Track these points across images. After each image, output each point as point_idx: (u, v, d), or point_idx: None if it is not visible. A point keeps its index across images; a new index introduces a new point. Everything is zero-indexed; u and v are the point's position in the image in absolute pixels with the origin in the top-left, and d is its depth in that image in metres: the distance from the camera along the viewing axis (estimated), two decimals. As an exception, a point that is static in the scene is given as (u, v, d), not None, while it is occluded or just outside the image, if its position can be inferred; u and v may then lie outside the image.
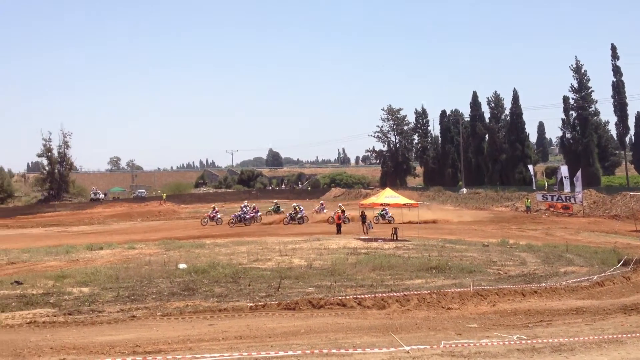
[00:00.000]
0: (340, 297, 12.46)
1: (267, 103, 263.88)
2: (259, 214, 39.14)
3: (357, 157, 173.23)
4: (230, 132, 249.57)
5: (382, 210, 36.55)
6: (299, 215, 36.74)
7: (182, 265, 17.30)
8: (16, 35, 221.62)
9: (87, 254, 22.14)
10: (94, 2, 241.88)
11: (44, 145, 75.18)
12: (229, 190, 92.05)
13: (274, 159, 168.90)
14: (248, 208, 38.95)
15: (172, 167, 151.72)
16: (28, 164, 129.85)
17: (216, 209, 40.29)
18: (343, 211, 34.27)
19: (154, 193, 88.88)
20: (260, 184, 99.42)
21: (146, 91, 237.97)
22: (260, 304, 12.08)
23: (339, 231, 29.60)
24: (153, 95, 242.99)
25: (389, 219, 36.49)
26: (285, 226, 35.74)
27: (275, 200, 50.06)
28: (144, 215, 53.82)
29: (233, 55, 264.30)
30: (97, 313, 11.41)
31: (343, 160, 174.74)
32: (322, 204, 44.95)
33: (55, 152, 75.61)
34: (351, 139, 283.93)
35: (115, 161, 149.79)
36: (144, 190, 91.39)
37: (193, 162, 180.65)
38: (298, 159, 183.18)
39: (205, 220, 38.35)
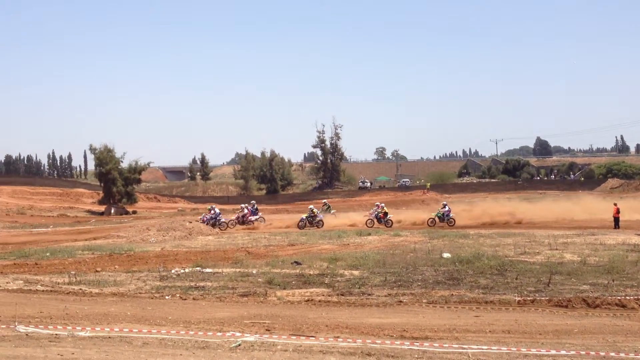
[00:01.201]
0: (619, 297, 11.04)
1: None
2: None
3: (638, 145, 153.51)
4: (494, 120, 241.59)
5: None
6: (317, 219, 32.29)
7: (446, 255, 17.15)
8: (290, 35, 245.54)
9: (356, 239, 23.45)
10: None
11: (318, 137, 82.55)
12: (492, 180, 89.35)
13: (542, 148, 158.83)
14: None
15: (434, 157, 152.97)
16: (304, 154, 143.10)
17: (214, 210, 32.77)
18: (385, 213, 32.15)
19: (417, 182, 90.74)
20: (527, 174, 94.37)
21: (412, 85, 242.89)
22: (528, 298, 11.32)
23: (616, 226, 26.49)
24: (420, 87, 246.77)
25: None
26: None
27: (325, 200, 44.97)
28: (408, 204, 55.15)
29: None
30: (366, 296, 11.87)
31: (621, 148, 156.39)
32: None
33: (327, 143, 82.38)
34: (631, 125, 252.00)
35: (380, 151, 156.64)
36: (408, 180, 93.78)
37: (456, 152, 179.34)
38: (569, 148, 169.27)
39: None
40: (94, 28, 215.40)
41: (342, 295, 11.95)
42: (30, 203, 57.87)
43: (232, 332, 8.26)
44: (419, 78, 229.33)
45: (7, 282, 13.38)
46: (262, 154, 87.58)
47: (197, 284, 13.11)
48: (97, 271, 15.44)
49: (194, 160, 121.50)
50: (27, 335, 7.67)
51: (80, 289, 12.60)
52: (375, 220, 31.78)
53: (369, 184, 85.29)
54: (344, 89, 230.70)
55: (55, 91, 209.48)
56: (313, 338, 8.05)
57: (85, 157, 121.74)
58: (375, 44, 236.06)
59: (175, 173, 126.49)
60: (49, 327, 8.31)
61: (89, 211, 55.06)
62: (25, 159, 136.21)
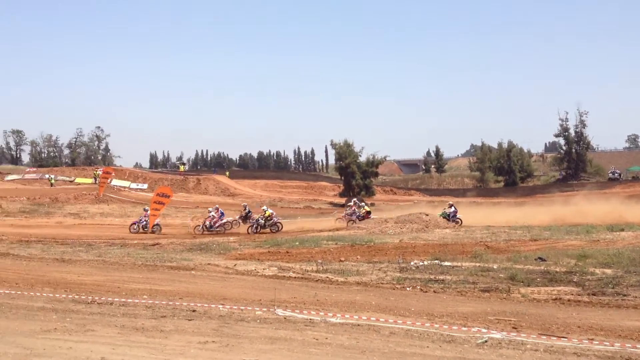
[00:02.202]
0: None
1: None
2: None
3: None
4: None
5: None
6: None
7: None
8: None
9: (607, 235, 21.35)
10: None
11: (561, 125, 76.80)
12: None
13: None
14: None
15: None
16: (545, 144, 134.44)
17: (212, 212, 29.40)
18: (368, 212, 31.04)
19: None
20: None
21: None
22: None
23: None
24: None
25: None
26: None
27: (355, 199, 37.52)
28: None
29: None
30: (621, 296, 10.77)
31: None
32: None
33: (572, 131, 76.28)
34: None
35: (633, 139, 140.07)
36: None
37: None
38: None
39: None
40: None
41: (594, 295, 10.98)
42: (280, 195, 63.79)
43: (478, 328, 8.13)
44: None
45: (263, 269, 14.74)
46: (499, 144, 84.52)
47: (437, 277, 13.09)
48: (341, 261, 16.20)
49: (428, 153, 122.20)
50: (285, 318, 8.44)
51: (327, 277, 13.33)
52: (356, 220, 30.21)
53: (619, 175, 76.94)
54: (589, 73, 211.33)
55: (303, 95, 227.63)
56: (565, 339, 7.57)
57: (326, 152, 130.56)
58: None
59: (409, 166, 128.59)
60: (304, 312, 9.02)
61: (331, 203, 58.74)
62: (275, 154, 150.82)
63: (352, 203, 33.77)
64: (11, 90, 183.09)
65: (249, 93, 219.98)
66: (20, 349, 5.87)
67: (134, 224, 28.83)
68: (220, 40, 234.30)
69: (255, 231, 27.73)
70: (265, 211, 28.70)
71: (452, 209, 30.37)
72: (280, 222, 28.99)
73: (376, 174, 65.44)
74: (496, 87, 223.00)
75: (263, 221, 28.11)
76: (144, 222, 28.47)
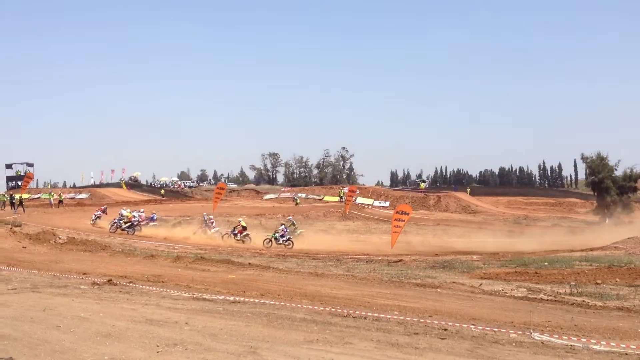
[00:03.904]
0: None
1: None
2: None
3: None
4: None
5: None
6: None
7: None
8: None
9: None
10: None
11: None
12: None
13: None
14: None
15: None
16: None
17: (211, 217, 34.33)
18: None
19: None
20: None
21: None
22: None
23: None
24: None
25: None
26: None
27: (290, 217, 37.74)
28: None
29: None
30: None
31: None
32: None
33: None
34: None
35: None
36: None
37: None
38: None
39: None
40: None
41: None
42: (525, 213, 60.62)
43: None
44: None
45: (511, 289, 14.26)
46: None
47: None
48: (597, 283, 15.07)
49: None
50: (542, 343, 7.97)
51: (583, 301, 12.48)
52: (273, 241, 29.23)
53: None
54: None
55: (544, 106, 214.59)
56: None
57: (575, 166, 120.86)
58: None
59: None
60: (563, 337, 8.43)
61: (583, 221, 54.11)
62: (517, 170, 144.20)
63: (285, 222, 32.43)
64: (268, 117, 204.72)
65: (486, 109, 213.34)
66: (289, 358, 6.47)
67: (113, 224, 32.53)
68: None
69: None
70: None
71: (282, 227, 30.05)
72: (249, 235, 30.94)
73: (635, 189, 58.68)
74: None
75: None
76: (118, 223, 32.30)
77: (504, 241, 33.07)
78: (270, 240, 29.29)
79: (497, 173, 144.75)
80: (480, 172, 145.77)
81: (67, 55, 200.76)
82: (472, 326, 8.88)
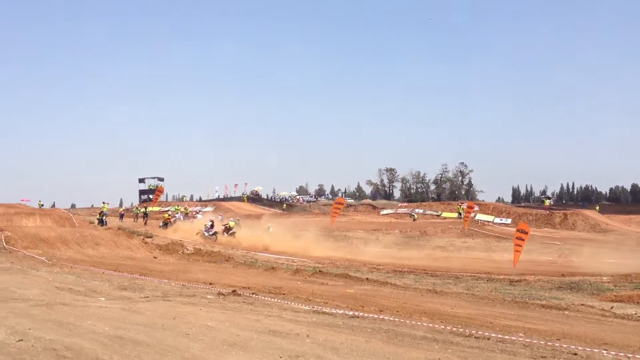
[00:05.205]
0: None
1: None
2: None
3: None
4: None
5: None
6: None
7: None
8: None
9: None
10: None
11: None
12: None
13: None
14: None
15: None
16: None
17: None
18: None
19: None
20: None
21: None
22: None
23: None
24: None
25: None
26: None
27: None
28: None
29: None
30: None
31: None
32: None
33: None
34: None
35: None
36: None
37: None
38: None
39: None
40: None
41: None
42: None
43: None
44: None
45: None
46: None
47: None
48: None
49: None
50: None
51: None
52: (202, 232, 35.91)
53: None
54: None
55: None
56: None
57: None
58: None
59: None
60: None
61: None
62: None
63: (216, 218, 39.74)
64: (385, 132, 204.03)
65: (617, 122, 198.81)
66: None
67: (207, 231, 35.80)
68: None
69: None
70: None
71: (210, 223, 37.37)
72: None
73: None
74: None
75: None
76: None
77: (637, 262, 30.53)
78: (199, 232, 35.91)
79: (629, 190, 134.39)
80: (611, 188, 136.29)
81: (199, 78, 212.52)
82: (604, 351, 8.26)
